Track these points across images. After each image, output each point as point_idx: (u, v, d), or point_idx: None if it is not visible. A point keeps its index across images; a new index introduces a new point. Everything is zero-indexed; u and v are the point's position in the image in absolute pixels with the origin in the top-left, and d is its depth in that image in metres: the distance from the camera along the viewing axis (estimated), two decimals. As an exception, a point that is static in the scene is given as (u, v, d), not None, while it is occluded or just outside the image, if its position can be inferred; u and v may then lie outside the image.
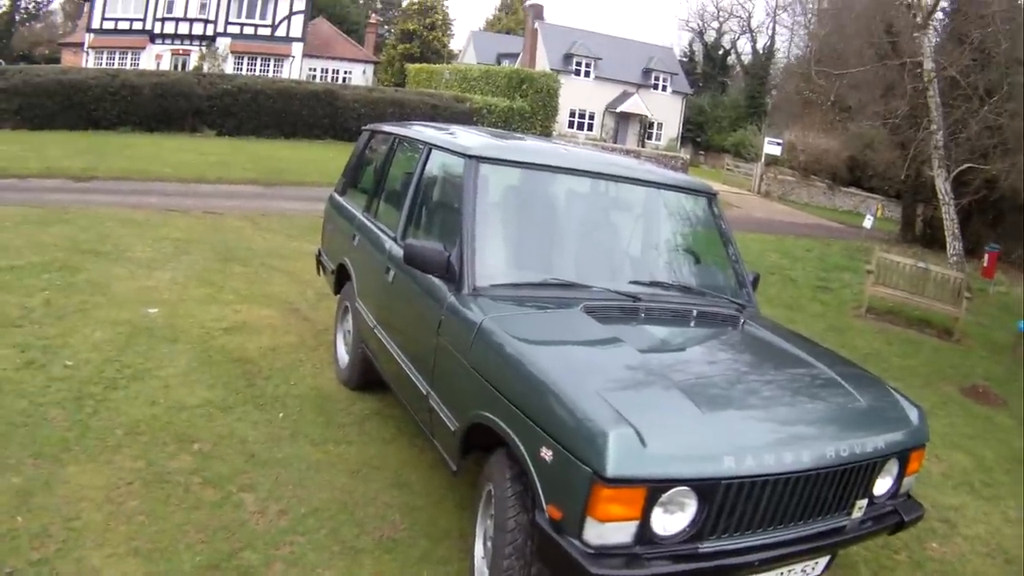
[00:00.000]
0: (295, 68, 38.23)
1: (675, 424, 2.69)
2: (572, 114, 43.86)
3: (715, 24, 60.06)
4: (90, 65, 33.25)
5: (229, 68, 35.79)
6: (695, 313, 3.88)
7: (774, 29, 58.63)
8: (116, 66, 32.37)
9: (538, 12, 36.50)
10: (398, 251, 4.17)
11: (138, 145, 17.64)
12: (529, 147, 4.54)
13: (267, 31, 38.41)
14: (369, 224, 5.06)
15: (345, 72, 41.95)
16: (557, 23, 46.93)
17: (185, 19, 37.36)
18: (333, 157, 16.98)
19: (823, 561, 3.16)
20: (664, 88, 47.55)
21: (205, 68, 34.22)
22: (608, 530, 2.54)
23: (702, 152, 49.31)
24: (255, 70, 37.06)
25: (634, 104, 45.41)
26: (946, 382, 8.06)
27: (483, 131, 5.36)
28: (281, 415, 4.76)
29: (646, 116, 46.01)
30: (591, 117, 45.63)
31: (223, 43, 37.26)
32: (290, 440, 4.46)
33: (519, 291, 3.59)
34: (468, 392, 3.30)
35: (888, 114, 18.21)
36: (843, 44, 19.78)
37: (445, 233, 3.93)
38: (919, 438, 3.28)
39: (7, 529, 3.28)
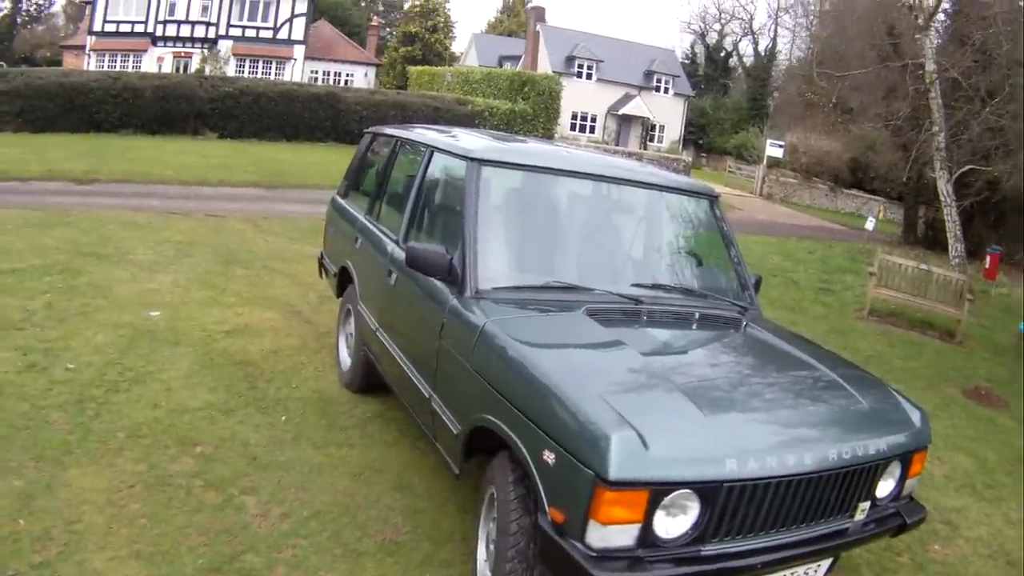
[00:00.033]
0: (297, 71, 38.25)
1: (677, 427, 2.69)
2: (574, 116, 43.86)
3: (717, 26, 60.21)
4: (92, 68, 33.29)
5: (231, 71, 35.77)
6: (697, 316, 3.89)
7: (776, 31, 58.70)
8: (118, 69, 32.47)
9: (540, 14, 36.61)
10: (400, 254, 4.17)
11: (140, 148, 17.67)
12: (531, 149, 4.53)
13: (269, 33, 38.45)
14: (371, 227, 5.06)
15: (347, 75, 41.95)
16: (559, 25, 46.98)
17: (187, 22, 37.38)
18: (335, 160, 17.02)
19: (826, 564, 3.16)
20: (666, 90, 47.53)
21: (207, 71, 34.23)
22: (610, 533, 2.54)
23: (704, 154, 49.29)
24: (257, 73, 37.08)
25: (636, 106, 45.41)
26: (948, 384, 8.05)
27: (485, 133, 5.36)
28: (283, 418, 4.76)
29: (648, 118, 46.01)
30: (593, 119, 45.63)
31: (225, 46, 37.31)
32: (292, 443, 4.46)
33: (521, 294, 3.59)
34: (470, 395, 3.29)
35: (890, 116, 18.20)
36: (845, 46, 19.77)
37: (447, 236, 3.93)
38: (921, 440, 3.28)
39: (8, 532, 3.28)
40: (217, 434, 4.42)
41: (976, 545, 4.57)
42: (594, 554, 2.54)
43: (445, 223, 4.17)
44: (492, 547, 3.11)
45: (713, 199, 4.54)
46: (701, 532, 2.65)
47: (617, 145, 41.51)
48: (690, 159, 35.81)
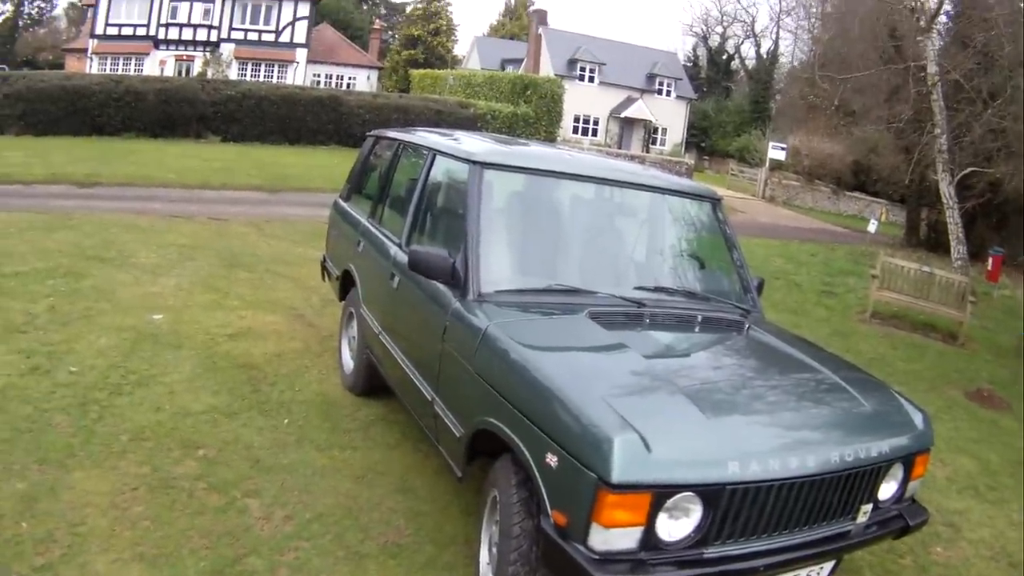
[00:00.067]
0: (299, 74, 38.28)
1: (680, 430, 2.69)
2: (576, 119, 43.87)
3: (719, 29, 60.16)
4: (94, 71, 33.33)
5: (233, 74, 35.79)
6: (700, 318, 3.89)
7: (778, 33, 58.41)
8: (120, 72, 32.52)
9: (542, 17, 36.63)
10: (403, 257, 4.17)
11: (142, 151, 17.70)
12: (533, 153, 4.53)
13: (271, 37, 38.47)
14: (374, 230, 5.06)
15: (349, 78, 41.98)
16: (561, 28, 47.04)
17: (189, 25, 37.40)
18: (337, 163, 17.03)
19: (828, 566, 3.16)
20: (668, 93, 47.56)
21: (209, 74, 34.16)
22: (613, 536, 2.54)
23: (706, 157, 49.30)
24: (259, 76, 37.09)
25: (638, 109, 45.44)
26: (951, 386, 8.04)
27: (487, 137, 5.36)
28: (286, 421, 4.77)
29: (650, 121, 46.04)
30: (595, 122, 45.65)
31: (227, 49, 37.31)
32: (295, 446, 4.46)
33: (524, 297, 3.59)
34: (473, 398, 3.29)
35: (892, 118, 18.19)
36: (847, 48, 19.75)
37: (450, 239, 3.93)
38: (924, 442, 3.27)
39: (12, 534, 3.28)
40: (220, 437, 4.43)
41: (979, 547, 4.57)
42: (597, 557, 2.54)
43: (447, 226, 4.18)
44: (495, 550, 3.11)
45: (715, 202, 4.54)
46: (704, 535, 2.65)
47: (619, 148, 41.55)
48: (692, 162, 35.80)
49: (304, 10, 38.86)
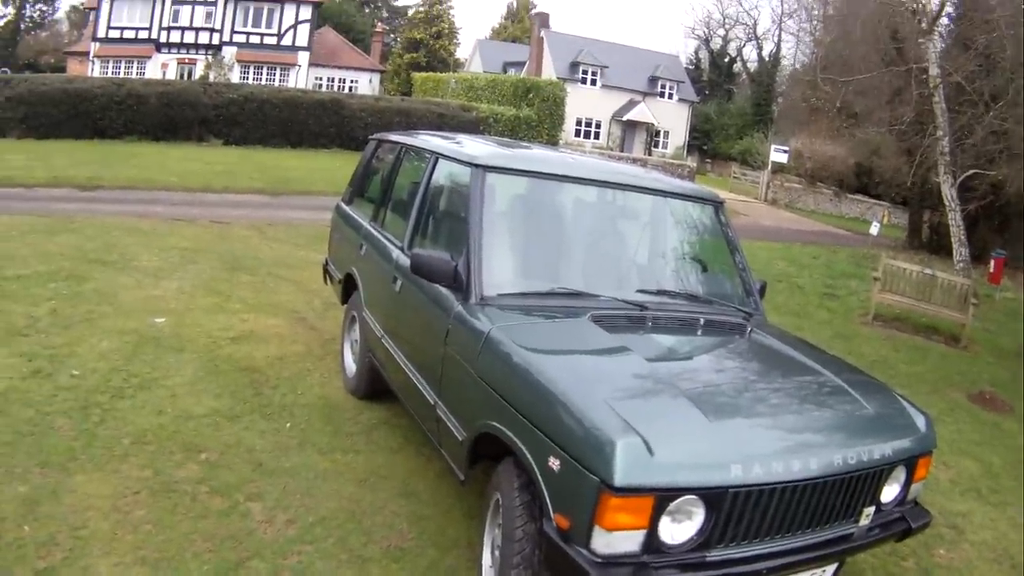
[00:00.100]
0: (301, 77, 38.32)
1: (682, 433, 2.69)
2: (579, 122, 43.88)
3: (721, 32, 60.20)
4: (96, 74, 33.36)
5: (235, 77, 35.89)
6: (702, 321, 3.89)
7: (780, 36, 58.28)
8: (122, 75, 32.51)
9: (544, 20, 36.63)
10: (405, 260, 4.17)
11: (144, 154, 17.72)
12: (536, 156, 4.54)
13: (273, 40, 38.51)
14: (376, 233, 5.06)
15: (351, 81, 42.00)
16: (563, 31, 47.08)
17: (191, 28, 37.46)
18: (339, 166, 17.05)
19: (831, 569, 3.16)
20: (670, 96, 47.57)
21: (211, 77, 34.26)
22: (616, 539, 2.54)
23: (709, 160, 49.33)
24: (261, 79, 37.17)
25: (641, 112, 45.44)
26: (953, 388, 8.03)
27: (489, 140, 5.36)
28: (288, 424, 4.77)
29: (653, 124, 46.04)
30: (598, 125, 45.66)
31: (229, 52, 37.38)
32: (298, 449, 4.46)
33: (526, 300, 3.59)
34: (476, 401, 3.29)
35: (894, 120, 18.18)
36: (849, 51, 19.76)
37: (452, 242, 3.93)
38: (926, 445, 3.27)
39: (14, 538, 3.28)
40: (222, 440, 4.43)
41: (981, 549, 4.56)
42: (599, 560, 2.54)
43: (450, 229, 4.17)
44: (497, 553, 3.10)
45: (718, 205, 4.54)
46: (706, 538, 2.65)
47: (622, 151, 41.57)
48: (695, 165, 35.85)
49: (306, 13, 38.91)
